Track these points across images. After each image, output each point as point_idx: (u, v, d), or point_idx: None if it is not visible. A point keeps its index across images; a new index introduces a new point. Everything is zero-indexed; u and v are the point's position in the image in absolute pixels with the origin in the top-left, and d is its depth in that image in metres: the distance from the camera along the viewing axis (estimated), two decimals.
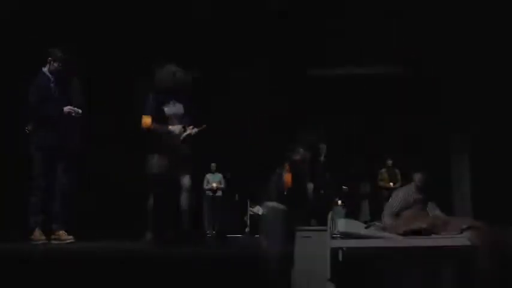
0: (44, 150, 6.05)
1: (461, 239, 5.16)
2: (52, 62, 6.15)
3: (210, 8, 9.25)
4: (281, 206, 5.56)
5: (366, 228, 5.46)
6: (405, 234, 5.31)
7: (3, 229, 6.12)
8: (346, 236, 5.31)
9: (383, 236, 5.37)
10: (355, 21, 9.14)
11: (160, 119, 5.74)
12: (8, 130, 7.41)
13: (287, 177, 5.84)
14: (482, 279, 5.54)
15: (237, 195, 10.98)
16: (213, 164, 11.40)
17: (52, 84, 6.15)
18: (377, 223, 5.55)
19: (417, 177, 5.71)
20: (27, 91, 6.10)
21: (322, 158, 6.48)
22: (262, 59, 9.73)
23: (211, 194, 11.41)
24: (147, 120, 5.74)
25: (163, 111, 5.75)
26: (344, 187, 9.78)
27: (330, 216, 5.33)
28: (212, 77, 10.03)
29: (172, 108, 5.84)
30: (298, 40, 9.49)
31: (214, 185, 11.40)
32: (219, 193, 11.46)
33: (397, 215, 5.66)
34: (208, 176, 11.48)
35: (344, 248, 5.35)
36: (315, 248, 5.45)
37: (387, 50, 9.31)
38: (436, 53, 9.21)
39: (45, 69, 6.19)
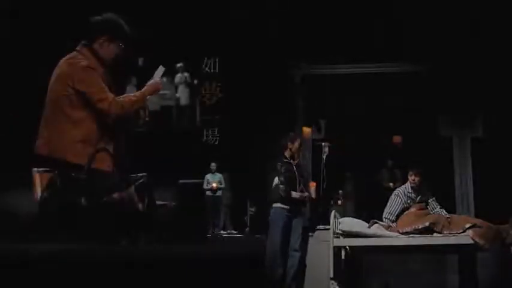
0: None
1: (464, 238, 5.17)
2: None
3: None
4: (285, 206, 5.52)
5: (368, 227, 5.45)
6: (408, 233, 5.31)
7: None
8: (349, 234, 5.31)
9: (386, 235, 5.36)
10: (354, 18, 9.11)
11: None
12: None
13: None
14: (484, 278, 5.55)
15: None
16: (212, 164, 11.35)
17: None
18: (380, 222, 5.54)
19: (411, 177, 5.73)
20: None
21: (324, 157, 6.43)
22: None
23: (211, 194, 11.37)
24: None
25: None
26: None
27: (332, 214, 5.33)
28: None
29: None
30: (296, 37, 9.41)
31: (214, 185, 11.35)
32: (219, 193, 11.42)
33: (398, 214, 5.66)
34: (208, 176, 11.44)
35: (347, 247, 5.35)
36: (318, 247, 5.44)
37: (389, 48, 9.28)
38: (437, 52, 9.18)
39: None
